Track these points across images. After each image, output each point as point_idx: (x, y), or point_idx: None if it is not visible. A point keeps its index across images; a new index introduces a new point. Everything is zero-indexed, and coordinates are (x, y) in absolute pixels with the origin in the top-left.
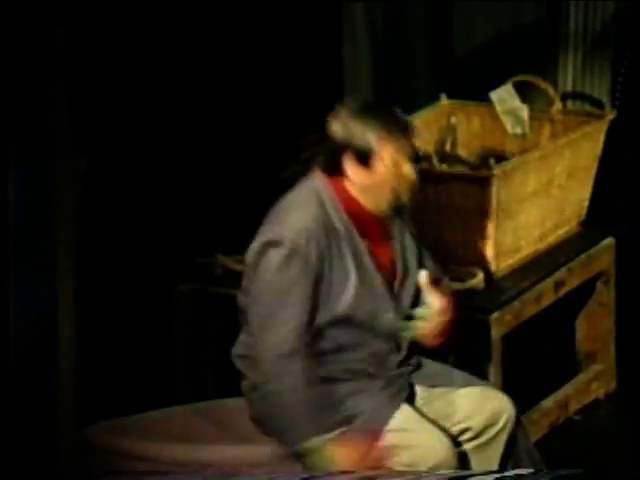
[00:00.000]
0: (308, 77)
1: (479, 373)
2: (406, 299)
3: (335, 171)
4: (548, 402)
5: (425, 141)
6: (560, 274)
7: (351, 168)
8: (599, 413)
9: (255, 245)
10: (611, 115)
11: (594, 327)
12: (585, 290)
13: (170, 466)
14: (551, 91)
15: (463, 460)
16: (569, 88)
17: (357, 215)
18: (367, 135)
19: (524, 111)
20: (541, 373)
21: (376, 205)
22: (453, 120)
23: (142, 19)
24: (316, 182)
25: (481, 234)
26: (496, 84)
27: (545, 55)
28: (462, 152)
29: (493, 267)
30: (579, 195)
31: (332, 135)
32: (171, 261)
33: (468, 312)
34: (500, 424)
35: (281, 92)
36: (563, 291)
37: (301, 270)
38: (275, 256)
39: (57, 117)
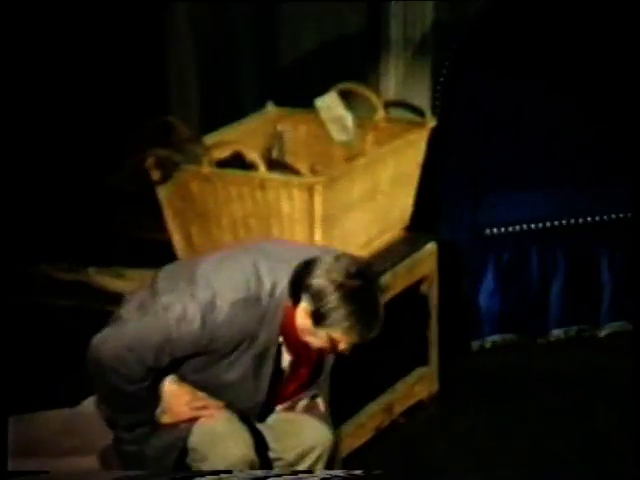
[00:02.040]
0: (133, 84)
1: None
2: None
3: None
4: (373, 406)
5: (252, 148)
6: (385, 279)
7: (302, 311)
8: (422, 415)
9: (186, 290)
10: (432, 123)
11: (418, 330)
12: (409, 294)
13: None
14: (374, 99)
15: None
16: (392, 95)
17: (291, 337)
18: (333, 313)
19: (349, 119)
20: (367, 377)
21: (309, 342)
22: (279, 127)
23: None
24: (275, 303)
25: (307, 241)
26: (321, 91)
27: (368, 63)
28: (289, 159)
29: None
30: (403, 201)
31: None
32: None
33: None
34: (313, 457)
35: (105, 98)
36: (388, 296)
37: (193, 344)
38: (195, 312)
39: None
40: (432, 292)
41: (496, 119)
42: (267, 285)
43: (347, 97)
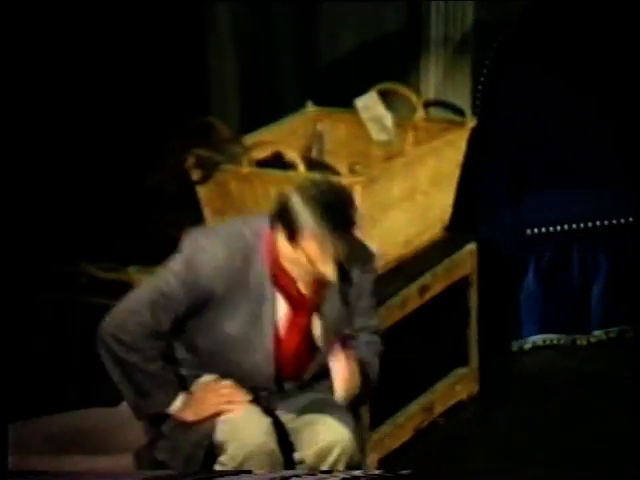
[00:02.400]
0: (173, 84)
1: None
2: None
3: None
4: (413, 406)
5: (292, 148)
6: (424, 279)
7: (279, 234)
8: (462, 415)
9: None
10: (472, 123)
11: (458, 331)
12: (449, 294)
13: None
14: (414, 98)
15: None
16: (431, 95)
17: (280, 276)
18: (299, 218)
19: (388, 118)
20: (407, 377)
21: (295, 275)
22: (319, 127)
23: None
24: (254, 233)
25: None
26: (361, 91)
27: (408, 62)
28: (328, 159)
29: None
30: (442, 201)
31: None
32: (31, 270)
33: None
34: (331, 459)
35: (146, 99)
36: (428, 296)
37: (186, 279)
38: (179, 258)
39: None
40: (472, 292)
41: (537, 118)
42: (251, 225)
43: (387, 97)
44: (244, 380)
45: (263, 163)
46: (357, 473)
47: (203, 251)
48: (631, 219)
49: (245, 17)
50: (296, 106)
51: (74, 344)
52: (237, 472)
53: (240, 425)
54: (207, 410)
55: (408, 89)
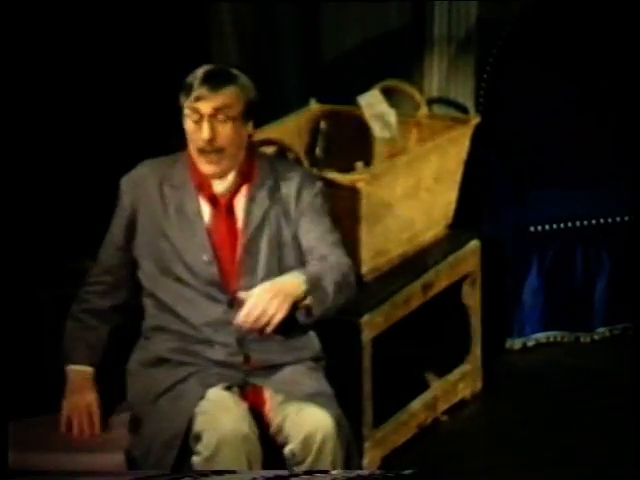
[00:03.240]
0: (174, 80)
1: (349, 375)
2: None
3: None
4: (416, 403)
5: (295, 145)
6: (428, 276)
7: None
8: (465, 413)
9: None
10: (475, 120)
11: (461, 328)
12: (452, 292)
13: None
14: (417, 96)
15: None
16: (435, 93)
17: (199, 178)
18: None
19: (391, 115)
20: (410, 375)
21: (195, 155)
22: (322, 125)
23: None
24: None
25: (351, 238)
26: (364, 88)
27: (411, 60)
28: (332, 156)
29: (363, 270)
30: (446, 198)
31: None
32: (36, 267)
33: (338, 315)
34: (315, 446)
35: (151, 98)
36: (431, 293)
37: (116, 213)
38: None
39: None
40: (475, 290)
41: (540, 116)
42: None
43: (390, 94)
44: (197, 289)
45: None
46: (359, 473)
47: (125, 176)
48: (633, 216)
49: (248, 16)
50: (299, 104)
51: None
52: (223, 472)
53: (214, 414)
54: (64, 417)
55: (411, 86)
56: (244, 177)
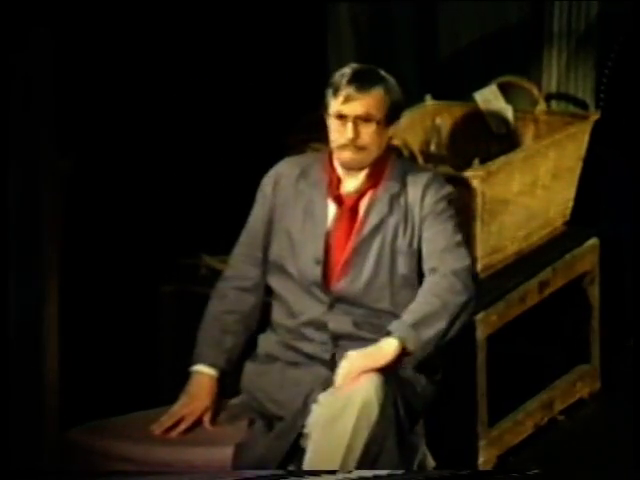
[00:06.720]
0: (293, 78)
1: (464, 373)
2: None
3: None
4: (533, 403)
5: (410, 141)
6: (545, 274)
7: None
8: (583, 413)
9: None
10: (595, 116)
11: (579, 327)
12: (570, 290)
13: (151, 467)
14: (535, 91)
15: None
16: (553, 89)
17: (332, 177)
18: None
19: (508, 111)
20: (526, 374)
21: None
22: (438, 121)
23: (126, 19)
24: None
25: (466, 234)
26: (480, 84)
27: (529, 55)
28: (447, 152)
29: (478, 267)
30: (563, 195)
31: None
32: (155, 262)
33: None
34: (354, 407)
35: (266, 93)
36: (548, 291)
37: (257, 203)
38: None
39: (42, 118)
40: (593, 288)
41: None
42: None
43: (507, 90)
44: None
45: None
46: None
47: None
48: None
49: (365, 15)
50: (415, 100)
51: (195, 333)
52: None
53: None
54: (176, 414)
55: (529, 82)
56: (373, 179)
